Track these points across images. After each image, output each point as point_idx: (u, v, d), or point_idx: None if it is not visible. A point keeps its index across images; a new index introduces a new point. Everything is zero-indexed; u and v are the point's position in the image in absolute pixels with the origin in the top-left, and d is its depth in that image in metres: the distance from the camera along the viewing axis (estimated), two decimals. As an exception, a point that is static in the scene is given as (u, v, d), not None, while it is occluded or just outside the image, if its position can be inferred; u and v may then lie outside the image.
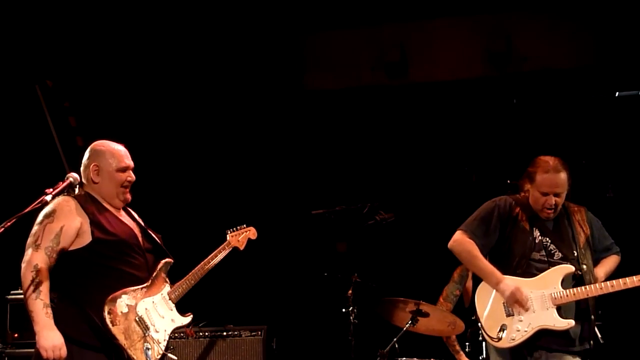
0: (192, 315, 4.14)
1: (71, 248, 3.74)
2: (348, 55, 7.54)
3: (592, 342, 4.03)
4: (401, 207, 6.29)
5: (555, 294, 3.99)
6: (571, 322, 3.97)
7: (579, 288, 3.99)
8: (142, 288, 3.88)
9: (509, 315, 4.04)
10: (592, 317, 4.04)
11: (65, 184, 3.69)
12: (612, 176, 6.77)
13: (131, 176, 3.97)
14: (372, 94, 7.49)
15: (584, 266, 4.07)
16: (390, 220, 5.93)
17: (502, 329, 4.03)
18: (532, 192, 4.14)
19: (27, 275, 3.59)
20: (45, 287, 3.60)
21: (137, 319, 3.82)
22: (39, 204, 3.53)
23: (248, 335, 5.97)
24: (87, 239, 3.75)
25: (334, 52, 7.57)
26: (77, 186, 3.86)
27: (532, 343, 3.98)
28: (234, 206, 7.11)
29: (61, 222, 3.70)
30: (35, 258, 3.62)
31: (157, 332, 3.90)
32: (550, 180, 4.07)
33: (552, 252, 4.10)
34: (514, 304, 4.00)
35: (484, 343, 5.19)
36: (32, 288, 3.57)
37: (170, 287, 4.07)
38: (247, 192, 7.41)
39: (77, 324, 3.67)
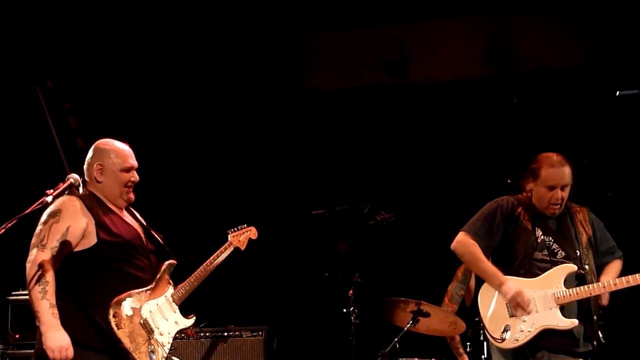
0: (195, 317, 4.14)
1: (76, 249, 3.71)
2: (348, 55, 7.54)
3: (595, 342, 4.02)
4: (402, 207, 6.29)
5: (558, 293, 3.98)
6: (575, 322, 3.96)
7: (581, 287, 3.98)
8: (146, 290, 3.88)
9: (512, 315, 4.03)
10: (595, 317, 4.03)
11: (65, 185, 3.65)
12: (613, 175, 6.77)
13: (135, 176, 3.96)
14: (373, 94, 7.49)
15: (586, 266, 4.07)
16: (391, 220, 5.93)
17: (506, 329, 4.02)
18: (537, 189, 4.12)
19: (32, 275, 3.56)
20: (51, 287, 3.56)
21: (142, 322, 3.81)
22: (40, 205, 3.50)
23: (249, 335, 5.97)
24: (92, 240, 3.73)
25: (334, 52, 7.56)
26: (80, 185, 3.82)
27: (535, 343, 3.97)
28: (234, 206, 7.11)
29: (67, 222, 3.68)
30: (40, 258, 3.58)
31: (161, 334, 3.90)
32: (556, 173, 4.07)
33: (555, 251, 4.08)
34: (516, 306, 4.00)
35: (485, 343, 5.19)
36: (37, 288, 3.54)
37: (174, 289, 4.07)
38: (248, 193, 7.41)
39: (80, 326, 3.65)
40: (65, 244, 3.66)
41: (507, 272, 4.09)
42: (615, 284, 3.95)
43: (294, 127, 7.58)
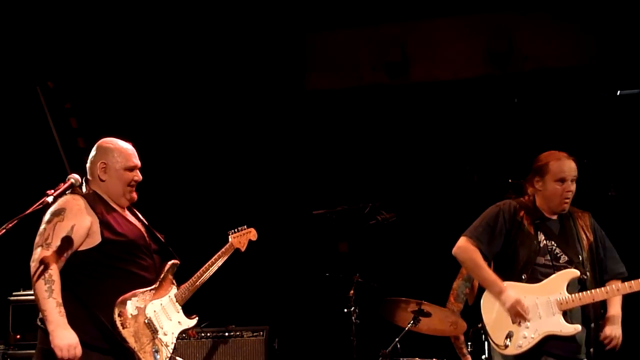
0: (197, 318, 4.13)
1: (81, 248, 3.70)
2: (349, 55, 7.54)
3: (591, 349, 4.02)
4: (403, 207, 6.28)
5: (561, 299, 3.96)
6: (578, 327, 3.94)
7: (584, 293, 3.96)
8: (150, 290, 3.87)
9: (515, 322, 4.01)
10: (593, 324, 4.02)
11: (66, 185, 3.64)
12: (614, 175, 6.76)
13: (138, 176, 3.96)
14: (373, 94, 7.49)
15: (587, 272, 4.05)
16: (392, 220, 5.92)
17: (509, 336, 3.99)
18: (547, 186, 4.09)
19: (37, 274, 3.53)
20: (57, 286, 3.55)
21: (146, 322, 3.81)
22: (41, 206, 3.50)
23: (250, 335, 5.97)
24: (96, 239, 3.72)
25: (335, 52, 7.56)
26: (82, 184, 3.82)
27: (538, 349, 3.95)
28: (235, 207, 7.11)
29: (72, 221, 3.66)
30: (45, 257, 3.56)
31: (165, 334, 3.90)
32: (565, 164, 4.08)
33: (558, 255, 4.06)
34: (516, 315, 3.98)
35: (486, 343, 5.18)
36: (44, 287, 3.53)
37: (177, 289, 4.06)
38: (249, 193, 7.41)
39: (84, 325, 3.63)
40: (69, 243, 3.63)
41: (509, 277, 4.06)
42: (618, 290, 3.94)
43: (294, 127, 7.58)
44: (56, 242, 3.61)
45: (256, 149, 7.56)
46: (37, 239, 3.65)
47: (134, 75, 7.28)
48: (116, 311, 3.67)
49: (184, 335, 5.81)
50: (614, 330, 4.05)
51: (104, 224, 3.74)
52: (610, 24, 6.90)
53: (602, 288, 3.98)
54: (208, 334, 5.98)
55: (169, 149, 7.43)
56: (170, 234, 4.18)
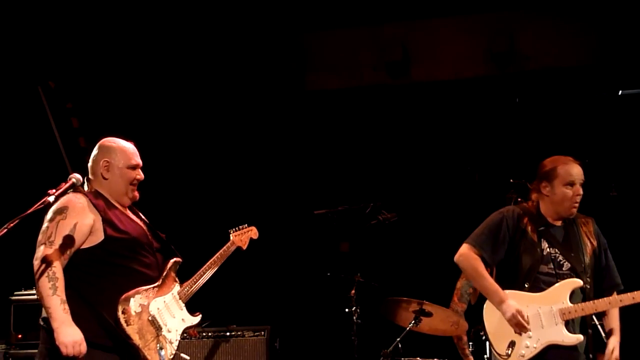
0: (200, 315, 4.14)
1: (83, 246, 3.70)
2: (350, 55, 7.54)
3: (591, 355, 4.01)
4: (404, 206, 6.29)
5: (564, 309, 3.94)
6: (580, 337, 3.93)
7: (587, 303, 3.95)
8: (153, 287, 3.88)
9: (517, 331, 3.99)
10: (590, 331, 4.02)
11: (67, 184, 3.64)
12: (615, 175, 6.76)
13: (140, 174, 3.97)
14: (374, 94, 7.49)
15: (588, 279, 4.03)
16: (393, 220, 5.92)
17: (511, 345, 3.98)
18: (555, 190, 4.06)
19: (41, 272, 3.53)
20: (60, 284, 3.54)
21: (150, 319, 3.81)
22: (42, 205, 3.50)
23: (251, 335, 5.97)
24: (99, 236, 3.72)
25: (336, 52, 7.57)
26: (84, 184, 3.83)
27: (540, 359, 3.94)
28: (237, 206, 7.11)
29: (74, 219, 3.66)
30: (49, 255, 3.56)
31: (169, 331, 3.90)
32: (574, 167, 4.06)
33: (561, 263, 4.04)
34: (516, 325, 3.96)
35: (487, 343, 5.18)
36: (47, 284, 3.52)
37: (180, 287, 4.07)
38: (250, 192, 7.42)
39: (87, 323, 3.62)
40: (72, 241, 3.63)
41: (511, 285, 4.04)
42: (621, 301, 3.93)
43: (296, 127, 7.58)
44: (59, 240, 3.61)
45: (257, 149, 7.56)
46: (40, 237, 3.64)
47: (136, 76, 7.29)
48: (120, 308, 3.67)
49: (185, 334, 5.82)
50: (615, 349, 4.04)
51: (107, 222, 3.74)
52: (612, 23, 6.90)
53: (605, 299, 3.97)
54: (209, 334, 5.98)
55: (170, 148, 7.44)
56: (171, 233, 4.18)
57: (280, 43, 7.46)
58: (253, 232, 4.62)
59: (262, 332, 5.97)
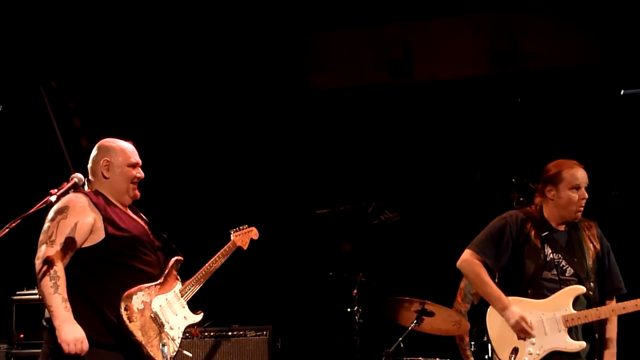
0: (202, 313, 4.15)
1: (84, 245, 3.72)
2: (352, 55, 7.54)
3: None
4: (406, 206, 6.28)
5: (567, 315, 3.94)
6: (582, 344, 3.93)
7: (590, 310, 3.94)
8: (155, 285, 3.89)
9: (520, 337, 3.98)
10: (597, 335, 4.01)
11: (69, 184, 3.66)
12: (617, 174, 6.75)
13: (140, 172, 4.00)
14: (376, 94, 7.49)
15: (592, 284, 4.02)
16: (395, 220, 5.91)
17: (514, 351, 3.97)
18: (561, 194, 4.04)
19: (42, 271, 3.55)
20: (62, 282, 3.57)
21: (152, 316, 3.83)
22: (44, 205, 3.51)
23: (253, 335, 5.97)
24: (100, 235, 3.74)
25: (338, 52, 7.56)
26: (85, 184, 3.85)
27: None
28: (238, 206, 7.11)
29: (75, 218, 3.68)
30: (50, 254, 3.58)
31: (171, 329, 3.92)
32: (579, 171, 4.06)
33: (564, 268, 4.04)
34: (519, 332, 3.96)
35: (489, 343, 5.17)
36: (49, 283, 3.54)
37: (182, 285, 4.08)
38: (252, 192, 7.42)
39: (90, 322, 3.64)
40: (73, 240, 3.66)
41: (514, 291, 4.04)
42: (624, 308, 3.92)
43: (297, 126, 7.58)
44: (60, 240, 3.63)
45: (259, 149, 7.56)
46: (41, 236, 3.66)
47: (137, 75, 7.29)
48: (122, 305, 3.68)
49: (187, 334, 5.83)
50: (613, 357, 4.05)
51: (108, 220, 3.76)
52: (614, 23, 6.89)
53: (608, 306, 3.98)
54: (211, 333, 5.98)
55: (172, 148, 7.44)
56: (172, 232, 4.19)
57: (282, 43, 7.46)
58: (253, 233, 4.63)
59: (264, 332, 5.97)
